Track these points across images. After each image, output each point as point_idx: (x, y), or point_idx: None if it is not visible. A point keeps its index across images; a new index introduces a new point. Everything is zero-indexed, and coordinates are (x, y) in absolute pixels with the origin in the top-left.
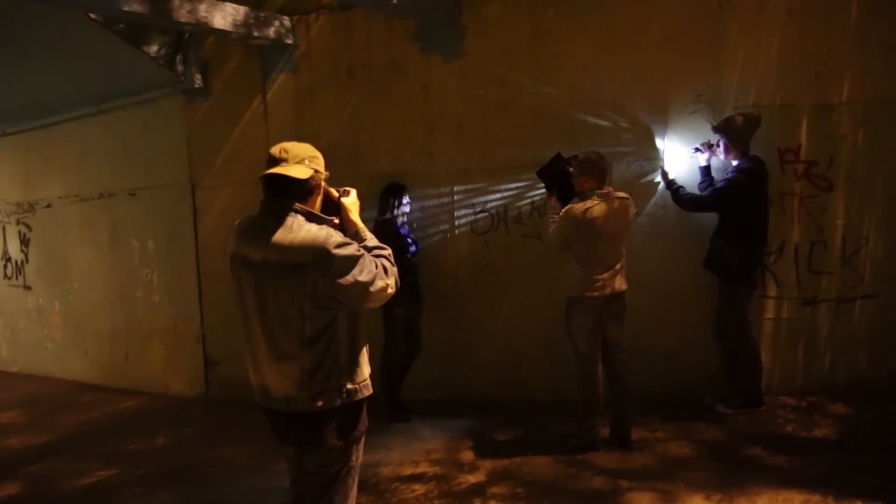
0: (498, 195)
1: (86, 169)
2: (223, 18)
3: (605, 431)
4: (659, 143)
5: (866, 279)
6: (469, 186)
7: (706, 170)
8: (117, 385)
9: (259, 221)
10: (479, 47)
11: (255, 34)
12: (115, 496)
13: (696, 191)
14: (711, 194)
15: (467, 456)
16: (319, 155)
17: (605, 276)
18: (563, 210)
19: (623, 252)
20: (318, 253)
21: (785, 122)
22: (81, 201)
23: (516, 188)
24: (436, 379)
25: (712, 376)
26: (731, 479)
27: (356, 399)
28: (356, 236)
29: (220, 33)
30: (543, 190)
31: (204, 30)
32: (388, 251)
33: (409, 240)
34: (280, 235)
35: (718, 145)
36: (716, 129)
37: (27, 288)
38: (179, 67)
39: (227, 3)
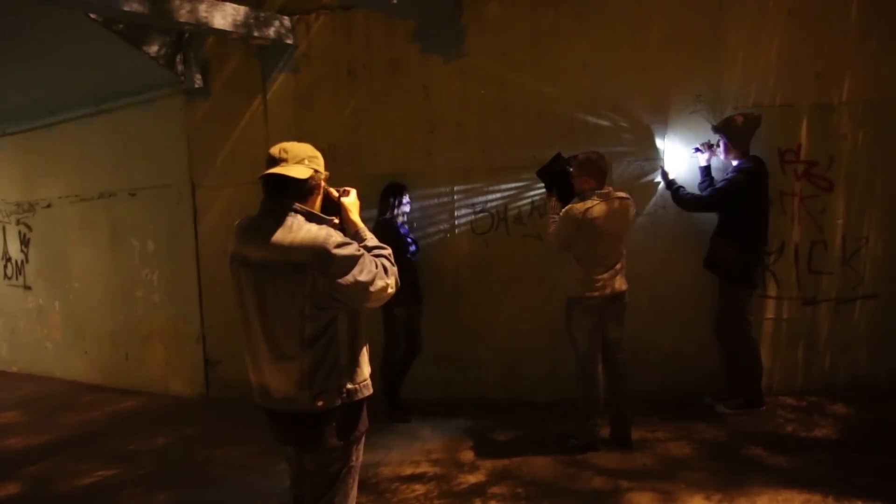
0: (498, 195)
1: (86, 169)
2: (223, 18)
3: (605, 431)
4: (659, 143)
5: (866, 279)
6: (469, 186)
7: (706, 170)
8: (117, 385)
9: (259, 221)
10: (479, 47)
11: (255, 34)
12: (115, 496)
13: (696, 191)
14: (711, 194)
15: (467, 456)
16: (319, 155)
17: (606, 276)
18: (563, 210)
19: (623, 252)
20: (318, 253)
21: (785, 122)
22: (81, 201)
23: (516, 188)
24: (436, 379)
25: (712, 376)
26: (732, 479)
27: (356, 399)
28: (356, 236)
29: (220, 33)
30: (543, 190)
31: (204, 30)
32: (388, 251)
33: (409, 239)
34: (280, 235)
35: (718, 145)
36: (716, 129)
37: (27, 288)
38: (179, 67)
39: (227, 3)
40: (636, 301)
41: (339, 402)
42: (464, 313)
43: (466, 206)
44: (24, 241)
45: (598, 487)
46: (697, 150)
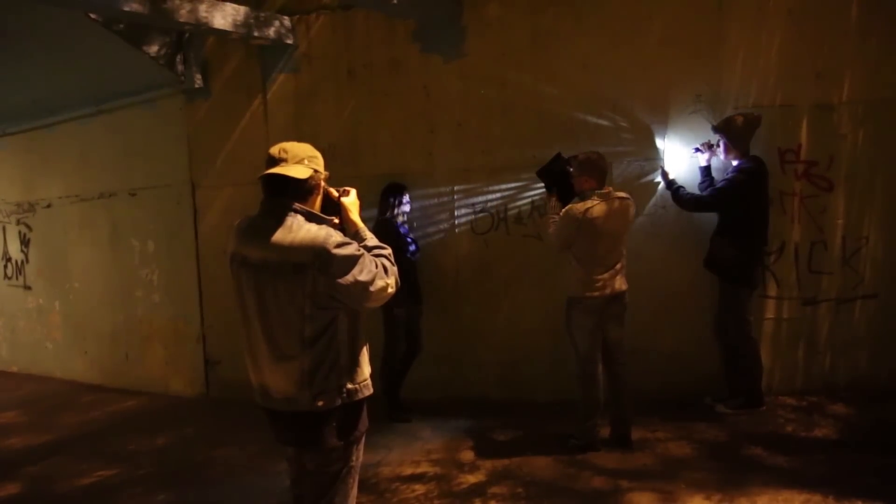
0: (498, 195)
1: (86, 169)
2: (223, 18)
3: (605, 431)
4: (659, 143)
5: (866, 279)
6: (469, 186)
7: (706, 170)
8: (117, 385)
9: (259, 221)
10: (479, 47)
11: (256, 34)
12: (115, 496)
13: (696, 191)
14: (712, 194)
15: (467, 456)
16: (319, 155)
17: (606, 276)
18: (564, 210)
19: (623, 252)
20: (317, 253)
21: (785, 122)
22: (82, 201)
23: (516, 188)
24: (436, 379)
25: (712, 376)
26: (732, 479)
27: (356, 399)
28: (356, 236)
29: (221, 33)
30: (543, 190)
31: (204, 30)
32: (387, 251)
33: (409, 239)
34: (280, 235)
35: (718, 145)
36: (716, 129)
37: (27, 288)
38: (179, 67)
39: (228, 3)
40: (636, 301)
41: (339, 402)
42: (464, 313)
43: (466, 206)
44: (24, 241)
45: (599, 487)
46: (697, 150)
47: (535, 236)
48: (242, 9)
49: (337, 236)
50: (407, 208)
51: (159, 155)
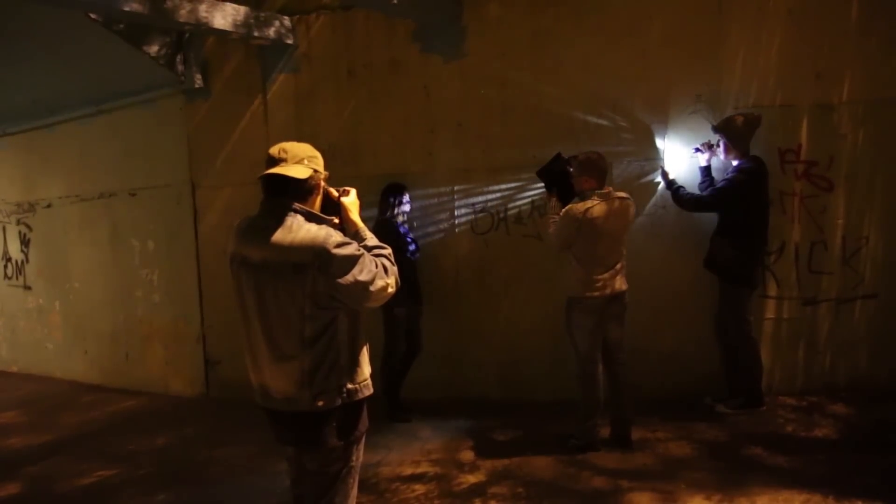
0: (498, 195)
1: (86, 169)
2: (223, 18)
3: (605, 431)
4: (659, 143)
5: (866, 279)
6: (469, 186)
7: (706, 170)
8: (117, 385)
9: (259, 222)
10: (479, 47)
11: (256, 34)
12: (114, 496)
13: (696, 191)
14: (712, 194)
15: (467, 456)
16: (319, 155)
17: (606, 276)
18: (564, 210)
19: (623, 252)
20: (317, 253)
21: (785, 122)
22: (82, 201)
23: (516, 188)
24: (436, 379)
25: (712, 376)
26: (732, 479)
27: (356, 399)
28: (356, 236)
29: (221, 33)
30: (543, 190)
31: (204, 30)
32: (387, 250)
33: (409, 239)
34: (280, 235)
35: (718, 145)
36: (716, 130)
37: (27, 288)
38: (179, 67)
39: (228, 3)
40: (636, 301)
41: (339, 401)
42: (464, 313)
43: (466, 206)
44: (24, 241)
45: (599, 487)
46: (697, 150)
47: (535, 236)
48: (242, 9)
49: (337, 236)
50: (407, 208)
51: (159, 155)
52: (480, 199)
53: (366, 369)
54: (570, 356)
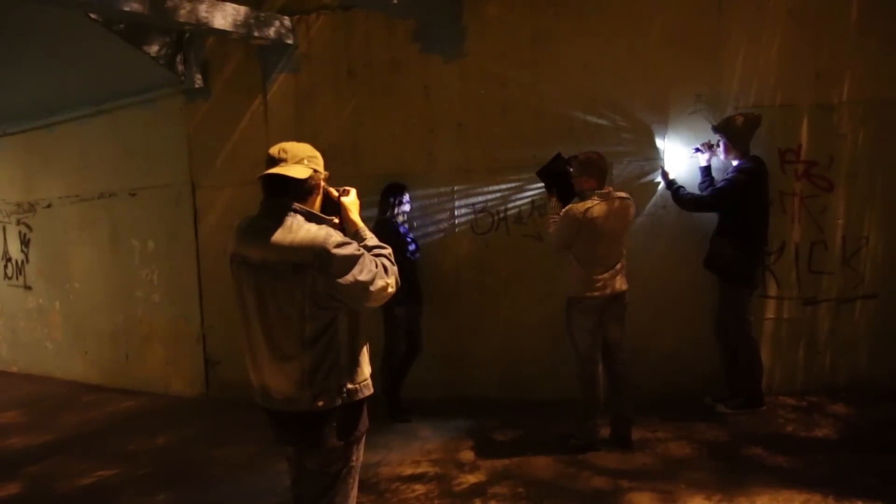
0: (498, 195)
1: (86, 169)
2: (223, 18)
3: (605, 431)
4: (659, 143)
5: (866, 279)
6: (469, 186)
7: (706, 170)
8: (117, 385)
9: (259, 222)
10: (479, 47)
11: (256, 34)
12: (115, 496)
13: (696, 191)
14: (712, 194)
15: (467, 456)
16: (318, 155)
17: (606, 276)
18: (564, 210)
19: (623, 252)
20: (317, 253)
21: (785, 122)
22: (82, 201)
23: (516, 188)
24: (436, 379)
25: (712, 376)
26: (732, 479)
27: (356, 399)
28: (356, 236)
29: (221, 33)
30: (543, 190)
31: (204, 30)
32: (387, 250)
33: (409, 239)
34: (279, 236)
35: (718, 145)
36: (716, 130)
37: (27, 288)
38: (180, 67)
39: (228, 3)
40: (636, 301)
41: (339, 402)
42: (464, 313)
43: (466, 206)
44: (25, 241)
45: (599, 487)
46: (697, 150)
47: (535, 236)
48: (242, 9)
49: (337, 236)
50: (407, 208)
51: (159, 155)
52: (480, 199)
53: (366, 369)
54: (570, 356)
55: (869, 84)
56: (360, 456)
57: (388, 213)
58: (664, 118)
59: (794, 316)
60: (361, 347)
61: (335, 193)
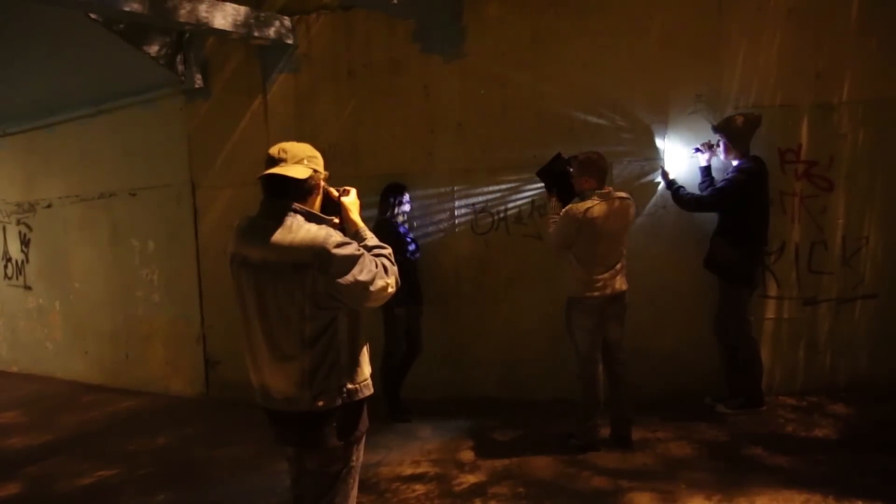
0: (498, 195)
1: (86, 169)
2: (223, 18)
3: (605, 431)
4: (659, 143)
5: (866, 279)
6: (469, 186)
7: (706, 170)
8: (117, 385)
9: (259, 222)
10: (479, 47)
11: (256, 34)
12: (115, 496)
13: (696, 191)
14: (712, 194)
15: (467, 456)
16: (318, 155)
17: (606, 276)
18: (564, 210)
19: (623, 252)
20: (317, 253)
21: (785, 122)
22: (82, 201)
23: (516, 188)
24: (436, 379)
25: (713, 376)
26: (732, 479)
27: (357, 399)
28: (356, 236)
29: (221, 33)
30: (543, 190)
31: (204, 30)
32: (388, 250)
33: (409, 239)
34: (279, 236)
35: (719, 145)
36: (716, 129)
37: (27, 288)
38: (180, 67)
39: (228, 3)
40: (636, 301)
41: (339, 402)
42: (464, 313)
43: (466, 206)
44: (25, 241)
45: (599, 487)
46: (697, 150)
47: (535, 236)
48: (242, 9)
49: (337, 236)
50: (407, 208)
51: (159, 155)
52: (480, 199)
53: (366, 369)
54: (570, 356)
55: (869, 84)
56: (360, 456)
57: (388, 213)
58: (664, 118)
59: (794, 316)
60: (361, 347)
61: (335, 193)
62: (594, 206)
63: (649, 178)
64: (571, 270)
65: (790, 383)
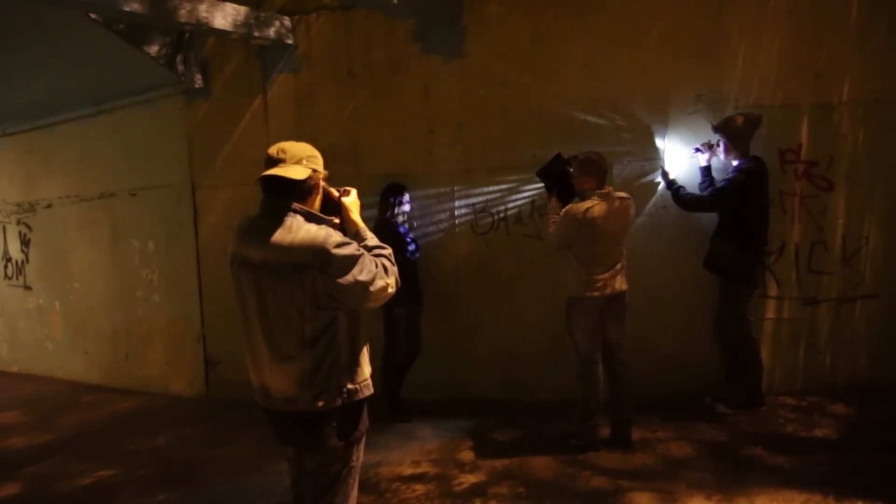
0: (498, 195)
1: (86, 169)
2: (223, 18)
3: (605, 431)
4: (659, 143)
5: (866, 279)
6: (469, 186)
7: (706, 170)
8: (117, 385)
9: (258, 222)
10: (479, 47)
11: (256, 34)
12: (115, 496)
13: (696, 191)
14: (712, 194)
15: (467, 456)
16: (318, 154)
17: (606, 276)
18: (564, 210)
19: (623, 252)
20: (317, 253)
21: (785, 122)
22: (82, 201)
23: (517, 188)
24: (436, 379)
25: (712, 376)
26: (732, 479)
27: (357, 399)
28: (357, 236)
29: (221, 33)
30: (543, 190)
31: (204, 30)
32: (388, 251)
33: (409, 239)
34: (279, 236)
35: (719, 145)
36: (716, 129)
37: (27, 288)
38: (180, 67)
39: (228, 3)
40: (636, 301)
41: (339, 402)
42: (464, 313)
43: (466, 206)
44: (25, 242)
45: (599, 487)
46: (697, 150)
47: (535, 236)
48: (242, 9)
49: (337, 236)
50: (407, 208)
51: (159, 155)
52: (480, 199)
53: (366, 369)
54: (570, 356)
55: (869, 84)
56: (360, 456)
57: (388, 213)
58: (664, 118)
59: (794, 316)
60: (361, 347)
61: (336, 194)
62: (594, 206)
63: (649, 178)
64: (571, 270)
65: (790, 383)
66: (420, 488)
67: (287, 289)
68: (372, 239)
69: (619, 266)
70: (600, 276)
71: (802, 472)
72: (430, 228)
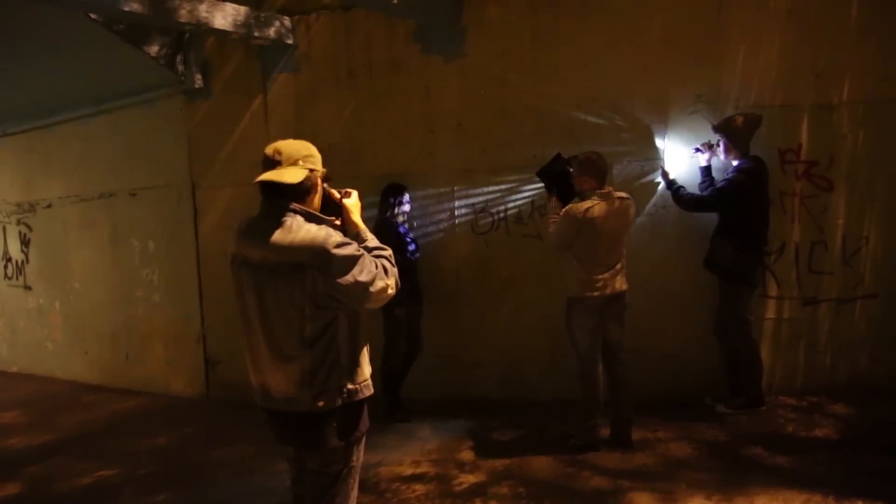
0: (498, 195)
1: (86, 169)
2: (223, 18)
3: (605, 431)
4: (659, 143)
5: (867, 279)
6: (469, 186)
7: (706, 170)
8: (117, 385)
9: (258, 222)
10: (479, 47)
11: (256, 34)
12: (115, 496)
13: (696, 191)
14: (712, 194)
15: (467, 456)
16: (315, 152)
17: (606, 276)
18: (564, 210)
19: (623, 252)
20: (317, 253)
21: (785, 122)
22: (82, 201)
23: (517, 188)
24: (436, 379)
25: (712, 376)
26: (732, 479)
27: (357, 399)
28: (357, 237)
29: (221, 33)
30: (543, 190)
31: (204, 30)
32: (388, 251)
33: (409, 239)
34: (279, 236)
35: (719, 145)
36: (716, 129)
37: (27, 288)
38: (180, 67)
39: (228, 4)
40: (636, 301)
41: (339, 402)
42: (464, 313)
43: (466, 206)
44: (25, 242)
45: (599, 487)
46: (698, 150)
47: (535, 236)
48: (242, 9)
49: (337, 236)
50: (407, 208)
51: (159, 155)
52: (480, 199)
53: (366, 369)
54: (570, 356)
55: (869, 84)
56: (360, 456)
57: (388, 213)
58: (664, 118)
59: (794, 316)
60: (361, 347)
61: (337, 195)
62: (594, 205)
63: (649, 178)
64: (571, 270)
65: (790, 383)
66: (420, 488)
67: (287, 289)
68: (372, 240)
69: (619, 266)
70: (600, 276)
71: (802, 472)
72: (430, 228)
